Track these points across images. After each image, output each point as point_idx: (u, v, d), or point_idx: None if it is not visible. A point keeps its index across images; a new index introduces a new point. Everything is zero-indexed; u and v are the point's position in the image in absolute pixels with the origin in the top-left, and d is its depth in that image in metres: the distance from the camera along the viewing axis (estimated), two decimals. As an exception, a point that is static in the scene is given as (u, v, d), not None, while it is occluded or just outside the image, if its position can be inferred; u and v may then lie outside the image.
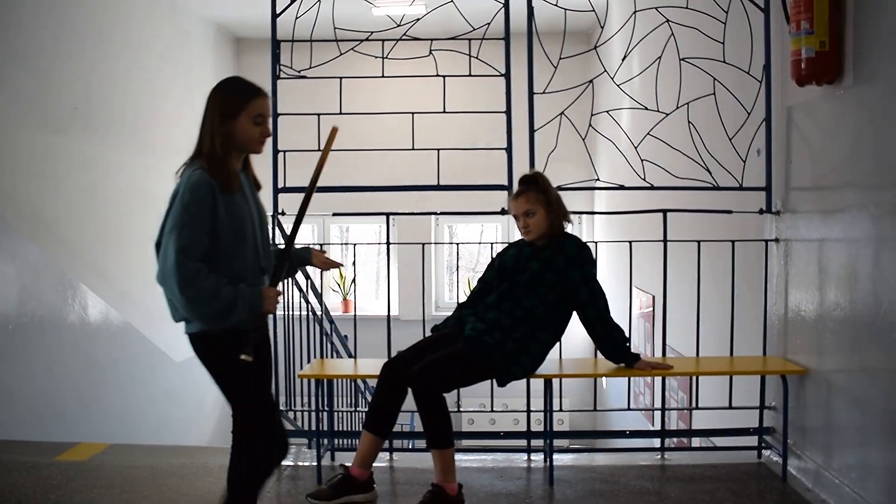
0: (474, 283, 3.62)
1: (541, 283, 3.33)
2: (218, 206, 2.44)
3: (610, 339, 3.40)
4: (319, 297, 4.85)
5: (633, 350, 3.47)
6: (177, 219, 2.41)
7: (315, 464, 3.63)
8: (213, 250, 2.45)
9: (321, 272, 3.68)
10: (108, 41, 6.23)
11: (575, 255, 3.36)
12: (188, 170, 2.50)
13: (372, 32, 4.17)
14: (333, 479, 3.27)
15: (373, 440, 3.28)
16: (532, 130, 3.98)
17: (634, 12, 4.10)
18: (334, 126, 2.85)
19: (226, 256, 2.48)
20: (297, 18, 3.98)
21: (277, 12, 4.02)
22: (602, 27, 4.37)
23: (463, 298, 3.65)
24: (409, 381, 3.19)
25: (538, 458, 3.88)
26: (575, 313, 3.42)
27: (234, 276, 2.48)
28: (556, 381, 3.65)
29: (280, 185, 4.02)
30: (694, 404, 4.14)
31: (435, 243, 9.27)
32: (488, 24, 4.07)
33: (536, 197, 3.35)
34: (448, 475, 3.17)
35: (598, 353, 3.50)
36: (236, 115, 2.50)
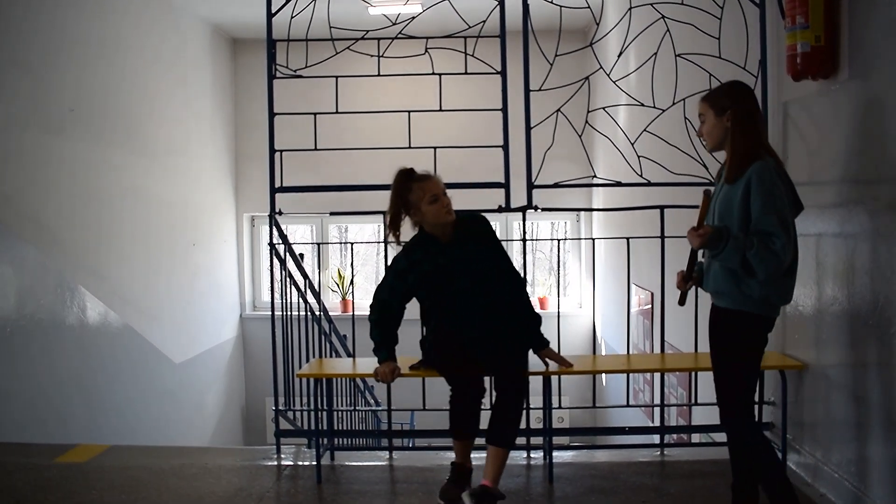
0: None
1: (487, 268, 3.34)
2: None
3: (531, 314, 3.39)
4: (318, 296, 4.85)
5: (629, 346, 3.47)
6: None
7: (314, 463, 3.63)
8: None
9: (319, 272, 3.69)
10: (104, 43, 6.22)
11: (489, 230, 3.43)
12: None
13: (367, 31, 4.17)
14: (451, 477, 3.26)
15: (465, 444, 3.28)
16: (528, 128, 3.98)
17: (630, 9, 4.10)
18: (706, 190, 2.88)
19: None
20: (292, 18, 3.97)
21: (273, 12, 4.01)
22: (598, 24, 4.37)
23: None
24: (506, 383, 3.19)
25: (538, 455, 3.88)
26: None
27: None
28: (555, 379, 3.65)
29: (276, 184, 4.01)
30: (693, 400, 4.14)
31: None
32: (484, 21, 4.07)
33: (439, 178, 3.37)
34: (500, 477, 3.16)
35: (534, 342, 3.45)
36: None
